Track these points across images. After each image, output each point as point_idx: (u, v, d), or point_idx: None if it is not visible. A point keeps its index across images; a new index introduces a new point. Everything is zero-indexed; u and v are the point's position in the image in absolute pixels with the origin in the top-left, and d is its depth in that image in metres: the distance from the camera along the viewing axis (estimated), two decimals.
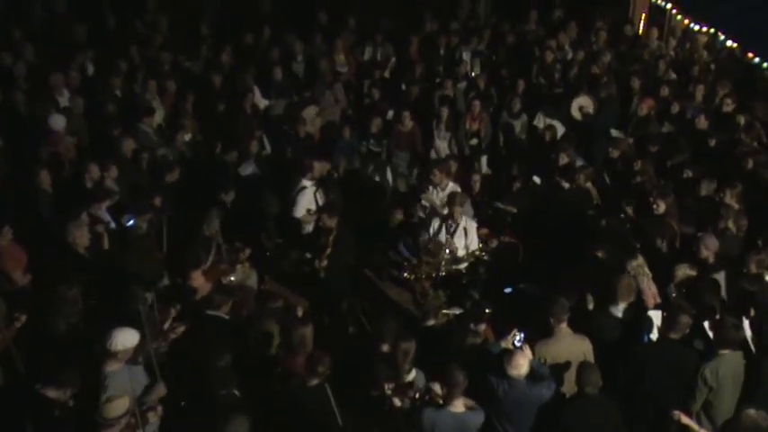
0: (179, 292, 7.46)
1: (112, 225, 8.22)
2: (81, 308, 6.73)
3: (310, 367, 5.96)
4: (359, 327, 8.17)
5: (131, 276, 7.32)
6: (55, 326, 6.55)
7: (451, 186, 9.31)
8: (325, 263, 8.31)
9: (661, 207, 8.53)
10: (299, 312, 7.36)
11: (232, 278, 7.92)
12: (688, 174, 9.43)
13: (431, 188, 9.35)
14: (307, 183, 9.21)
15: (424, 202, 9.34)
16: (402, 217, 9.82)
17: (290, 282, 9.06)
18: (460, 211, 8.51)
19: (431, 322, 7.16)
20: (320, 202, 9.16)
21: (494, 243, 9.05)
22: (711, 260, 7.61)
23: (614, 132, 11.10)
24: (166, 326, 6.79)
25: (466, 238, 8.51)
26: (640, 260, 7.49)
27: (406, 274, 8.50)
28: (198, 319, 6.97)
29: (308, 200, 9.13)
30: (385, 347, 6.46)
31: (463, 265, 8.50)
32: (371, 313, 7.85)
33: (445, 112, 11.43)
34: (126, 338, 5.94)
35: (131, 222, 8.11)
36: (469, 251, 8.49)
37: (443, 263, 8.30)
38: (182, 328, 6.78)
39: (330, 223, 8.38)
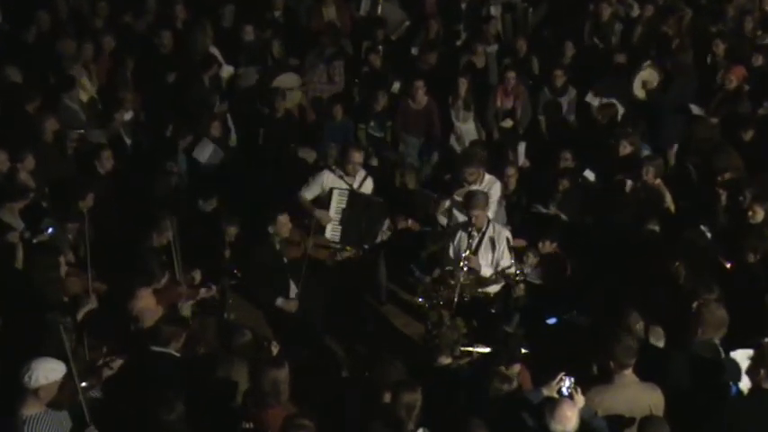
0: (114, 320, 7.45)
1: (27, 234, 8.17)
2: None
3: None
4: (352, 369, 8.16)
5: (51, 301, 7.29)
6: None
7: (489, 179, 9.25)
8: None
9: (758, 215, 8.51)
10: (274, 350, 7.32)
11: (190, 305, 7.90)
12: None
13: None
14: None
15: (456, 198, 9.26)
16: (409, 224, 9.75)
17: (263, 309, 9.03)
18: (484, 217, 8.44)
19: (445, 361, 7.12)
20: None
21: (531, 259, 8.97)
22: None
23: (695, 109, 11.05)
24: (100, 362, 6.81)
25: (493, 253, 8.45)
26: None
27: (420, 300, 8.44)
28: (141, 356, 6.95)
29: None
30: (387, 397, 6.42)
31: (493, 289, 8.43)
32: (365, 355, 7.82)
33: (464, 84, 11.37)
34: (48, 370, 5.94)
35: (51, 230, 8.07)
36: (499, 270, 8.43)
37: (465, 285, 8.25)
38: (118, 362, 6.80)
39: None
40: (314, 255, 8.74)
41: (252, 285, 8.76)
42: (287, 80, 11.62)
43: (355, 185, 9.20)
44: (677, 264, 8.12)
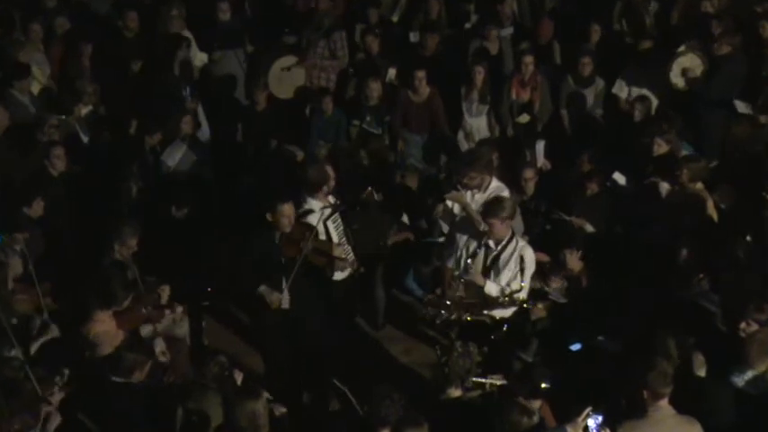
0: (69, 346, 7.43)
1: None
2: None
3: None
4: (344, 403, 8.15)
5: None
6: None
7: (495, 186, 9.18)
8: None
9: None
10: (238, 378, 7.30)
11: (157, 328, 7.88)
12: None
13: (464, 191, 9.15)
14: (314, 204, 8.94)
15: (448, 203, 9.18)
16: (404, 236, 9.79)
17: (242, 333, 9.04)
18: (503, 229, 8.36)
19: (455, 393, 7.11)
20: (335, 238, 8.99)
21: (555, 278, 8.94)
22: None
23: (741, 107, 11.05)
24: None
25: (502, 272, 8.36)
26: None
27: (430, 311, 8.28)
28: (99, 389, 6.93)
29: None
30: None
31: (499, 313, 8.35)
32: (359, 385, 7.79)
33: (481, 74, 11.38)
34: None
35: None
36: (507, 293, 8.35)
37: (468, 304, 8.21)
38: (57, 397, 6.71)
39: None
40: (311, 259, 8.54)
41: (241, 283, 8.63)
42: (283, 63, 11.72)
43: (331, 200, 9.01)
44: (700, 276, 8.14)
